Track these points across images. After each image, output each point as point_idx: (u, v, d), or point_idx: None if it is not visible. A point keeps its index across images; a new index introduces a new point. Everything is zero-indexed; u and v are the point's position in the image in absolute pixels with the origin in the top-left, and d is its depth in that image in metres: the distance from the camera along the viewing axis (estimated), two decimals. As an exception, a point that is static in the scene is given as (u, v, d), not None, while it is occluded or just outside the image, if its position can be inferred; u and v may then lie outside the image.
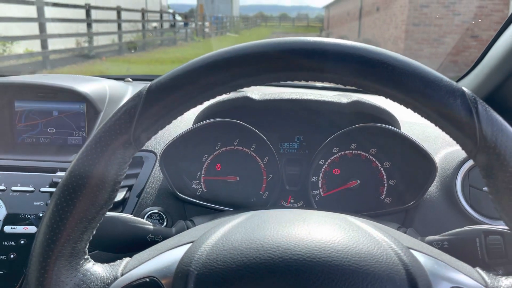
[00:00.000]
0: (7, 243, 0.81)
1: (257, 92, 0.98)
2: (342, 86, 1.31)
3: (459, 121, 0.44)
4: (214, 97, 0.48)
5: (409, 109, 0.47)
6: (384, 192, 0.95)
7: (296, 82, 1.44)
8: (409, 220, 0.90)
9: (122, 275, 0.50)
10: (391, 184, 0.95)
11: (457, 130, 0.45)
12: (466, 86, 1.18)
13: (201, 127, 0.91)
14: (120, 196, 0.89)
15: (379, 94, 0.47)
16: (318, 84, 1.41)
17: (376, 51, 0.45)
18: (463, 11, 9.80)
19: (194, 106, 0.48)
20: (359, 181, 0.95)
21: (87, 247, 0.50)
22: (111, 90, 1.08)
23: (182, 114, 0.48)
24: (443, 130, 0.47)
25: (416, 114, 0.47)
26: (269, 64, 0.46)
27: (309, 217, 0.51)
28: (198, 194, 0.97)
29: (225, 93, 0.49)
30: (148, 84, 0.47)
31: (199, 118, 0.97)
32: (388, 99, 0.47)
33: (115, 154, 0.47)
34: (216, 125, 0.93)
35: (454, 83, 0.46)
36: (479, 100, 0.45)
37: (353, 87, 0.48)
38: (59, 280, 0.47)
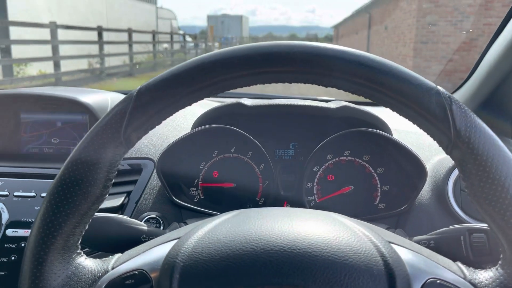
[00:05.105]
0: (9, 245, 0.84)
1: (249, 100, 1.01)
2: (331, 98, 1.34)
3: (434, 118, 0.46)
4: (201, 98, 0.51)
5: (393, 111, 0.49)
6: (378, 198, 0.97)
7: (286, 94, 1.48)
8: (402, 223, 0.91)
9: (112, 268, 0.52)
10: (385, 189, 0.97)
11: (433, 127, 0.47)
12: (460, 97, 1.20)
13: (197, 133, 0.94)
14: (118, 201, 0.92)
15: (358, 94, 0.49)
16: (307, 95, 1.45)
17: (354, 53, 0.48)
18: (470, 28, 9.84)
19: (182, 107, 0.51)
20: (353, 187, 0.97)
21: (79, 242, 0.53)
22: (112, 102, 1.12)
23: (170, 115, 0.51)
24: (420, 127, 0.49)
25: (409, 122, 0.49)
26: (251, 65, 0.48)
27: (293, 213, 0.53)
28: (195, 200, 0.99)
29: (211, 95, 0.52)
30: (138, 87, 0.50)
31: (196, 125, 1.00)
32: (368, 99, 0.49)
33: (107, 152, 0.49)
34: (212, 132, 0.96)
35: (430, 82, 0.48)
36: (453, 98, 0.47)
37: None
38: (51, 272, 0.49)
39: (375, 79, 0.47)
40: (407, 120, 0.49)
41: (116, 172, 0.52)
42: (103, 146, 0.49)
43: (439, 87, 0.48)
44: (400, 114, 0.49)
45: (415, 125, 0.49)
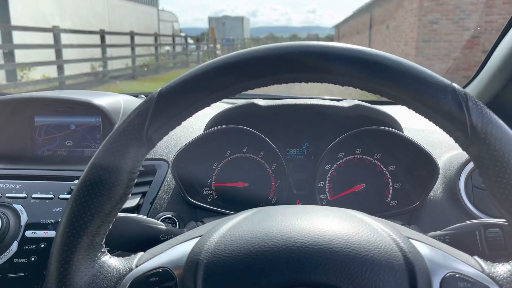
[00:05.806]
0: (28, 247, 0.85)
1: (262, 100, 1.02)
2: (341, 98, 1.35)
3: (450, 115, 0.47)
4: (219, 99, 0.52)
5: (409, 109, 0.50)
6: (390, 195, 0.98)
7: (289, 93, 1.49)
8: (414, 220, 0.92)
9: (136, 267, 0.53)
10: (396, 187, 0.97)
11: (449, 124, 0.48)
12: (470, 92, 1.20)
13: (210, 134, 0.96)
14: (134, 202, 0.93)
15: (375, 93, 0.50)
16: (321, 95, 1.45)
17: (370, 52, 0.49)
18: (472, 26, 9.83)
19: (202, 107, 0.52)
20: (364, 185, 0.98)
21: (104, 241, 0.54)
22: (125, 104, 1.13)
23: (191, 115, 0.52)
24: (436, 124, 0.50)
25: (424, 120, 0.50)
26: (270, 66, 0.49)
27: (312, 210, 0.54)
28: (209, 200, 1.00)
29: (230, 96, 0.53)
30: (159, 89, 0.52)
31: (209, 126, 1.01)
32: (384, 97, 0.50)
33: (129, 153, 0.51)
34: (225, 133, 0.97)
35: (446, 80, 0.49)
36: (469, 95, 0.48)
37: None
38: (78, 271, 0.50)
39: (392, 78, 0.48)
40: (421, 117, 0.50)
41: (138, 173, 0.53)
42: (125, 147, 0.50)
43: (455, 84, 0.48)
44: (416, 112, 0.50)
45: (431, 122, 0.50)
